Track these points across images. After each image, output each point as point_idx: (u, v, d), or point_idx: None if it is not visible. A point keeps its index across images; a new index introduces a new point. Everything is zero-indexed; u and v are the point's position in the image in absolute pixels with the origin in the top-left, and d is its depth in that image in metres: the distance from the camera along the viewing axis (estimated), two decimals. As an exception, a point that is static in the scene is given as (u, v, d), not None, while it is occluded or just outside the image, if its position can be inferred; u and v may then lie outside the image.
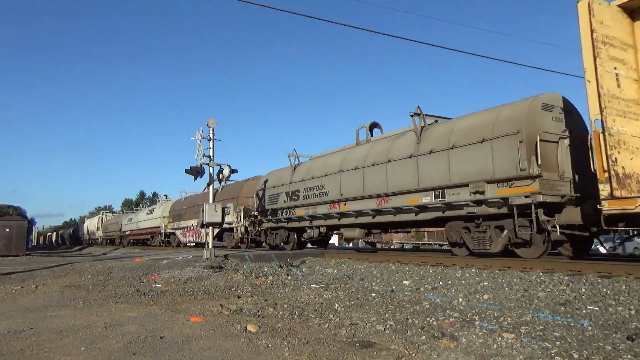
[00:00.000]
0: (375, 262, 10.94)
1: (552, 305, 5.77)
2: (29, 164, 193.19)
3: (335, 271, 10.54)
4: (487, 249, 9.46)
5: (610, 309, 5.36)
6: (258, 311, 5.93)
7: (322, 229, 14.92)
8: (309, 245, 17.39)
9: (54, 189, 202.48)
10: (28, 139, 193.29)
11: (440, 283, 7.82)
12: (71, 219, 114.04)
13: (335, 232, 15.38)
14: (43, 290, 8.34)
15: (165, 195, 36.14)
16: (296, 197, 15.53)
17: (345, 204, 13.23)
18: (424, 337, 4.50)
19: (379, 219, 12.12)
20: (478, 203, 9.35)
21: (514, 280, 7.23)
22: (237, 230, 19.04)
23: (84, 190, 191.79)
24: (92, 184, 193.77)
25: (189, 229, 24.80)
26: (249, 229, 18.43)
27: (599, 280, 6.49)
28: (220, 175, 14.11)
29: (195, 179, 14.01)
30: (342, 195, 13.31)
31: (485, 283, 7.34)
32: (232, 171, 15.27)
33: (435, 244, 32.10)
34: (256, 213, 17.95)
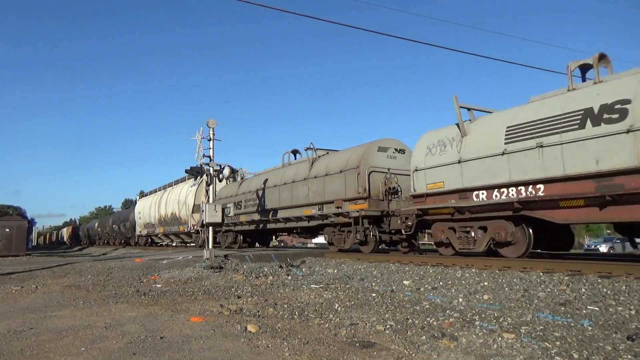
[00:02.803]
0: (375, 262, 10.93)
1: (552, 306, 5.76)
2: (31, 165, 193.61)
3: (335, 271, 10.54)
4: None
5: (610, 309, 5.36)
6: (258, 311, 5.92)
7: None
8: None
9: (55, 190, 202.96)
10: (30, 141, 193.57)
11: (440, 283, 7.81)
12: (71, 219, 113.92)
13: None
14: (43, 290, 8.33)
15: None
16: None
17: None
18: (424, 337, 4.49)
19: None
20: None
21: (514, 280, 7.22)
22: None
23: (85, 191, 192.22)
24: (93, 185, 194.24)
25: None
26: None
27: (599, 281, 6.49)
28: (221, 176, 14.11)
29: (196, 179, 14.02)
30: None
31: (485, 283, 7.33)
32: (233, 171, 15.27)
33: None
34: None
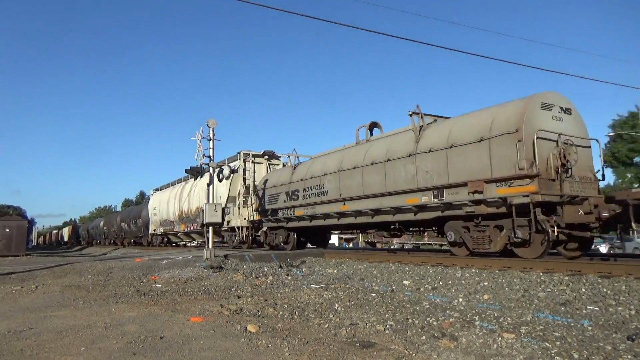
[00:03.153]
0: (375, 262, 10.94)
1: (552, 305, 5.76)
2: (31, 165, 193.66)
3: (335, 271, 10.54)
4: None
5: (610, 309, 5.36)
6: (258, 311, 5.92)
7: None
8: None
9: (55, 190, 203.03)
10: (30, 141, 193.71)
11: (440, 283, 7.82)
12: (71, 219, 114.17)
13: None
14: (43, 290, 8.34)
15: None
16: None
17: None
18: (424, 337, 4.49)
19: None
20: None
21: (514, 280, 7.23)
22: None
23: (85, 191, 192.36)
24: (93, 185, 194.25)
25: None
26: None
27: (599, 280, 6.49)
28: (220, 176, 14.13)
29: (196, 179, 14.04)
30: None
31: (486, 283, 7.34)
32: (233, 171, 15.30)
33: (435, 244, 32.12)
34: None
